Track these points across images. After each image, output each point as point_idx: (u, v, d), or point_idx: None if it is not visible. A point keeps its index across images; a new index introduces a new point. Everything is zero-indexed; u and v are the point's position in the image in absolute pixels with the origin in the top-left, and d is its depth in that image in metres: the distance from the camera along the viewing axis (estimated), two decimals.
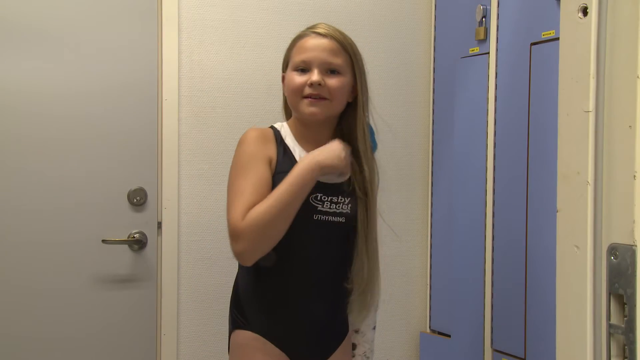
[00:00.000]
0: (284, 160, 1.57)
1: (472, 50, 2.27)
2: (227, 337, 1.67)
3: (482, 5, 2.19)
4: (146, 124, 2.27)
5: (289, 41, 1.64)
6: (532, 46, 2.00)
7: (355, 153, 1.60)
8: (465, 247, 2.28)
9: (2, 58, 2.12)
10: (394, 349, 2.56)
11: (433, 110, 2.55)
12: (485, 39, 2.20)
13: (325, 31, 1.58)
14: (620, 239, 0.84)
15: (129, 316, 2.25)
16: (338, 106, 1.59)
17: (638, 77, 0.82)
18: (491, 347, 2.17)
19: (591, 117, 0.88)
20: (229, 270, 2.00)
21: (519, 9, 2.07)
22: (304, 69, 1.56)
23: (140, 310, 2.27)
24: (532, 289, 1.98)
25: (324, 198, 1.55)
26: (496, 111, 2.16)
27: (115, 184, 2.23)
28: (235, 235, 1.46)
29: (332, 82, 1.55)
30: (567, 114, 0.92)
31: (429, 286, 2.58)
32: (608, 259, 0.85)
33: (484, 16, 2.19)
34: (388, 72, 2.54)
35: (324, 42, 1.57)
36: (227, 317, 1.68)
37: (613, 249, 0.84)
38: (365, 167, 1.60)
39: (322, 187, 1.55)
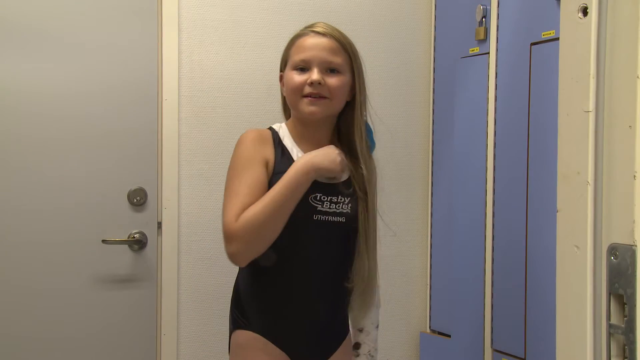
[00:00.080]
0: (282, 161, 1.57)
1: (472, 50, 2.27)
2: (228, 337, 1.67)
3: (482, 5, 2.19)
4: (146, 124, 2.27)
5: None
6: (532, 46, 2.00)
7: (353, 152, 1.61)
8: (465, 247, 2.28)
9: (2, 58, 2.13)
10: (394, 349, 2.56)
11: (433, 110, 2.55)
12: (485, 39, 2.20)
13: (325, 30, 1.58)
14: (620, 239, 0.84)
15: (129, 316, 2.25)
16: (337, 105, 1.60)
17: (638, 77, 0.82)
18: (491, 347, 2.17)
19: (591, 117, 0.88)
20: (229, 270, 1.99)
21: (519, 9, 2.07)
22: (303, 68, 1.56)
23: (140, 310, 2.27)
24: (532, 289, 1.98)
25: (324, 198, 1.55)
26: (496, 111, 2.16)
27: (115, 184, 2.23)
28: (228, 236, 1.47)
29: (332, 81, 1.55)
30: (567, 114, 0.92)
31: (429, 286, 2.58)
32: (608, 259, 0.85)
33: (484, 16, 2.19)
34: (388, 72, 2.54)
35: (323, 41, 1.57)
36: (227, 317, 1.68)
37: (613, 249, 0.84)
38: (364, 167, 1.60)
39: (321, 187, 1.55)
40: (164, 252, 2.27)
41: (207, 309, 2.32)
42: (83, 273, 2.21)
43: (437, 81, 2.52)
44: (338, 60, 1.57)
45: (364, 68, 1.64)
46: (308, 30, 1.60)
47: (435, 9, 2.54)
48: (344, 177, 1.61)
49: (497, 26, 2.16)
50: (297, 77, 1.56)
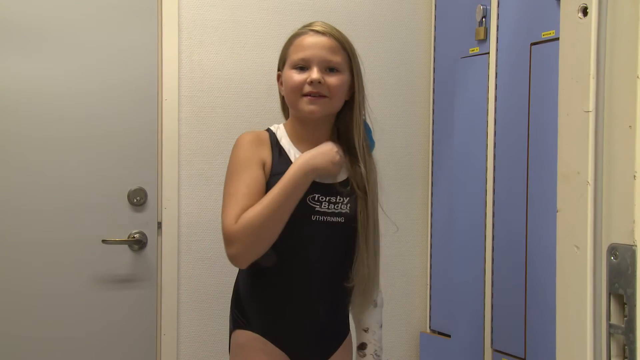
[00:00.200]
0: (279, 163, 1.57)
1: (472, 50, 2.27)
2: (228, 337, 1.67)
3: (482, 5, 2.19)
4: (146, 124, 2.27)
5: None
6: (532, 46, 2.00)
7: (352, 151, 1.61)
8: (465, 247, 2.28)
9: (2, 58, 2.13)
10: (394, 349, 2.55)
11: (433, 110, 2.55)
12: (485, 39, 2.20)
13: (324, 29, 1.58)
14: (620, 239, 0.84)
15: (129, 316, 2.25)
16: (337, 104, 1.60)
17: (638, 77, 0.82)
18: (491, 347, 2.17)
19: (591, 117, 0.88)
20: (229, 270, 1.99)
21: (519, 9, 2.07)
22: (302, 67, 1.56)
23: (140, 310, 2.27)
24: (532, 289, 1.98)
25: (322, 198, 1.55)
26: (496, 111, 2.16)
27: (115, 184, 2.23)
28: (228, 238, 1.48)
29: (332, 80, 1.55)
30: (567, 114, 0.92)
31: (429, 286, 2.58)
32: (608, 259, 0.85)
33: (484, 16, 2.19)
34: (388, 72, 2.54)
35: (322, 40, 1.57)
36: (227, 317, 1.68)
37: (613, 249, 0.84)
38: (362, 166, 1.60)
39: (319, 187, 1.55)
40: (164, 252, 2.27)
41: (207, 309, 2.32)
42: (83, 273, 2.21)
43: (437, 81, 2.53)
44: (337, 59, 1.57)
45: (362, 67, 1.64)
46: (307, 29, 1.60)
47: (435, 9, 2.54)
48: (343, 176, 1.61)
49: (497, 26, 2.16)
50: (297, 76, 1.56)
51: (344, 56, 1.59)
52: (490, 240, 2.17)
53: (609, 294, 0.85)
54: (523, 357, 2.02)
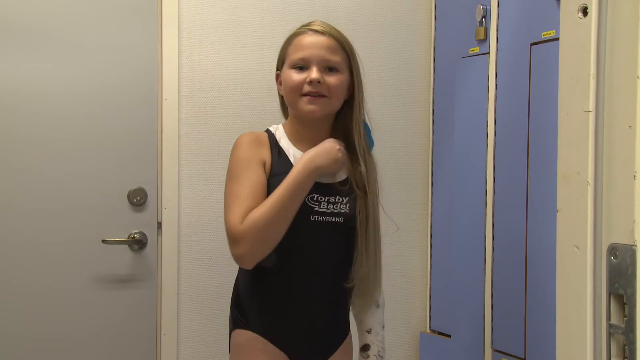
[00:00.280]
0: (279, 163, 1.57)
1: (472, 50, 2.27)
2: (228, 337, 1.68)
3: (482, 5, 2.19)
4: (146, 124, 2.27)
5: None
6: (532, 46, 2.00)
7: (352, 151, 1.61)
8: (465, 247, 2.28)
9: (2, 58, 2.13)
10: (394, 349, 2.55)
11: (433, 110, 2.55)
12: (485, 39, 2.20)
13: (323, 28, 1.58)
14: (620, 239, 0.84)
15: (129, 316, 2.25)
16: (336, 104, 1.59)
17: (638, 77, 0.82)
18: (491, 347, 2.17)
19: (591, 117, 0.88)
20: (229, 270, 1.99)
21: (519, 9, 2.07)
22: (302, 66, 1.56)
23: (140, 310, 2.27)
24: (532, 289, 1.98)
25: (321, 199, 1.55)
26: (496, 111, 2.16)
27: (115, 184, 2.23)
28: (234, 238, 1.47)
29: (331, 79, 1.55)
30: (567, 114, 0.92)
31: (429, 286, 2.58)
32: (608, 259, 0.85)
33: (484, 16, 2.19)
34: (388, 72, 2.54)
35: (322, 39, 1.56)
36: (227, 317, 1.68)
37: (613, 249, 0.84)
38: (362, 165, 1.60)
39: (319, 187, 1.55)
40: (164, 252, 2.27)
41: (207, 309, 2.32)
42: (83, 273, 2.21)
43: (437, 81, 2.53)
44: (337, 58, 1.57)
45: (361, 67, 1.64)
46: (306, 28, 1.59)
47: (435, 9, 2.54)
48: (342, 176, 1.61)
49: (497, 26, 2.16)
50: (296, 76, 1.56)
51: (343, 56, 1.59)
52: (490, 240, 2.17)
53: (609, 294, 0.85)
54: (523, 357, 2.02)
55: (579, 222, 0.89)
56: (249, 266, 1.52)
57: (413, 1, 2.57)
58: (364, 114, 1.65)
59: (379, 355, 1.67)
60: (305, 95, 1.55)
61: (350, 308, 1.71)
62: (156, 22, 2.27)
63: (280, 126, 1.66)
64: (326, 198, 1.56)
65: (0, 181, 2.13)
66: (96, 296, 2.22)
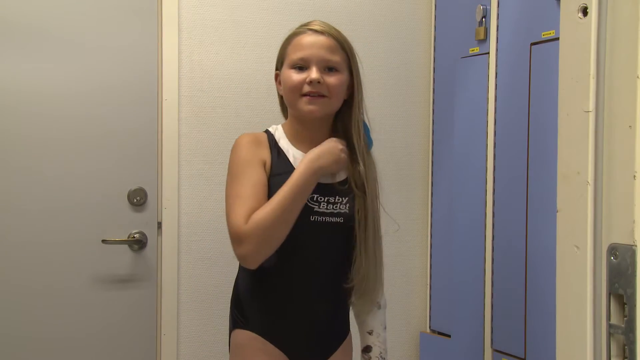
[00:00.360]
0: (279, 163, 1.57)
1: (472, 50, 2.27)
2: (227, 337, 1.68)
3: (482, 5, 2.19)
4: (146, 124, 2.27)
5: None
6: (532, 46, 2.00)
7: (351, 150, 1.61)
8: (465, 247, 2.28)
9: (2, 58, 2.13)
10: (394, 349, 2.55)
11: (433, 110, 2.55)
12: (485, 39, 2.20)
13: (322, 28, 1.57)
14: (620, 239, 0.84)
15: (129, 316, 2.26)
16: (336, 104, 1.59)
17: (638, 77, 0.82)
18: (491, 347, 2.17)
19: (591, 117, 0.88)
20: (229, 270, 1.99)
21: (519, 9, 2.07)
22: (301, 66, 1.55)
23: (140, 310, 2.27)
24: (532, 289, 1.98)
25: (321, 199, 1.55)
26: (496, 111, 2.16)
27: (115, 184, 2.23)
28: (239, 238, 1.47)
29: (331, 79, 1.55)
30: (567, 114, 0.92)
31: (429, 286, 2.58)
32: (608, 259, 0.85)
33: (484, 16, 2.19)
34: (388, 72, 2.54)
35: (321, 39, 1.56)
36: (227, 317, 1.68)
37: (613, 249, 0.84)
38: (361, 165, 1.60)
39: (318, 187, 1.55)
40: (164, 252, 2.27)
41: (207, 309, 2.32)
42: (83, 273, 2.21)
43: (437, 81, 2.52)
44: (336, 58, 1.57)
45: (360, 66, 1.64)
46: (305, 28, 1.59)
47: (435, 9, 2.54)
48: (342, 176, 1.61)
49: (497, 26, 2.16)
50: (296, 76, 1.55)
51: (343, 55, 1.59)
52: (490, 240, 2.17)
53: (609, 294, 0.85)
54: (523, 357, 2.02)
55: (579, 222, 0.89)
56: (253, 266, 1.51)
57: (413, 1, 2.57)
58: (363, 114, 1.65)
59: (381, 356, 1.66)
60: (305, 95, 1.55)
61: (352, 309, 1.71)
62: (156, 22, 2.27)
63: (280, 126, 1.66)
64: (326, 198, 1.56)
65: (0, 181, 2.13)
66: (96, 296, 2.22)
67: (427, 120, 2.58)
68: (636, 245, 0.81)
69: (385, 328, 1.70)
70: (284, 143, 1.61)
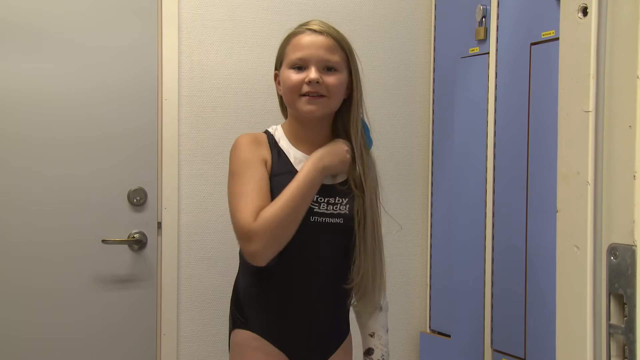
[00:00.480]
0: (279, 164, 1.57)
1: (472, 50, 2.27)
2: (227, 337, 1.68)
3: (482, 5, 2.19)
4: (146, 124, 2.27)
5: None
6: (532, 46, 2.00)
7: (351, 150, 1.61)
8: (465, 247, 2.28)
9: (2, 58, 2.13)
10: (394, 349, 2.55)
11: (433, 110, 2.55)
12: (485, 39, 2.20)
13: (321, 28, 1.57)
14: (620, 239, 0.84)
15: (129, 316, 2.26)
16: (335, 103, 1.59)
17: (638, 77, 0.82)
18: (491, 347, 2.17)
19: (591, 117, 0.88)
20: (229, 270, 1.99)
21: (519, 9, 2.07)
22: (300, 66, 1.55)
23: (140, 310, 2.27)
24: (532, 289, 1.98)
25: (320, 199, 1.55)
26: (496, 111, 2.16)
27: (115, 184, 2.23)
28: (248, 236, 1.46)
29: (330, 79, 1.55)
30: (567, 114, 0.92)
31: (429, 286, 2.57)
32: (608, 259, 0.85)
33: (484, 16, 2.19)
34: (388, 72, 2.54)
35: (320, 39, 1.56)
36: (227, 317, 1.68)
37: (613, 249, 0.84)
38: (360, 164, 1.60)
39: (319, 188, 1.55)
40: (164, 252, 2.27)
41: (207, 309, 2.32)
42: (83, 273, 2.21)
43: (437, 81, 2.52)
44: (335, 58, 1.56)
45: (359, 65, 1.63)
46: (304, 28, 1.58)
47: (435, 9, 2.54)
48: (343, 176, 1.61)
49: (497, 26, 2.15)
50: (295, 76, 1.55)
51: (342, 55, 1.58)
52: (490, 240, 2.17)
53: (609, 294, 0.85)
54: (523, 357, 2.02)
55: (579, 222, 0.89)
56: (262, 263, 1.49)
57: (413, 1, 2.57)
58: (362, 113, 1.65)
59: (383, 359, 1.66)
60: (304, 95, 1.54)
61: (354, 311, 1.71)
62: (156, 22, 2.27)
63: (279, 127, 1.65)
64: (326, 199, 1.56)
65: (0, 181, 2.13)
66: (96, 296, 2.22)
67: (427, 120, 2.58)
68: (636, 246, 0.81)
69: (387, 330, 1.69)
70: (284, 143, 1.61)
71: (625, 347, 0.83)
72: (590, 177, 0.88)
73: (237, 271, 1.68)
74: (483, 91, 2.21)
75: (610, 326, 0.85)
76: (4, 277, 2.13)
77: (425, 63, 2.59)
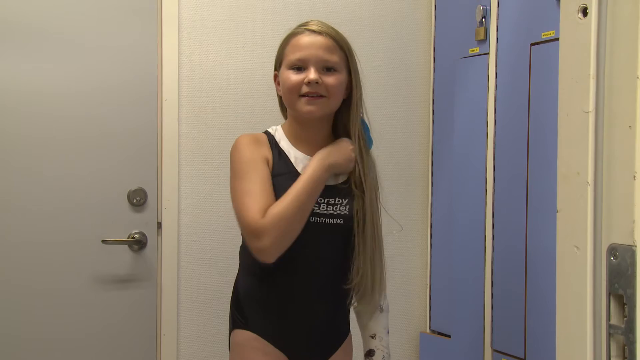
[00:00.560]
0: (280, 164, 1.57)
1: (472, 51, 2.27)
2: (227, 337, 1.68)
3: (482, 5, 2.19)
4: (146, 124, 2.27)
5: None
6: (532, 46, 2.00)
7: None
8: (465, 247, 2.28)
9: (2, 58, 2.13)
10: (394, 349, 2.54)
11: (433, 110, 2.55)
12: (485, 39, 2.20)
13: (320, 28, 1.57)
14: (620, 239, 0.84)
15: (129, 316, 2.26)
16: (335, 103, 1.59)
17: (638, 77, 0.82)
18: (491, 347, 2.17)
19: (591, 117, 0.88)
20: (229, 270, 1.99)
21: (519, 9, 2.07)
22: (299, 67, 1.55)
23: (140, 310, 2.27)
24: (532, 289, 1.98)
25: (320, 200, 1.55)
26: (496, 111, 2.16)
27: (115, 184, 2.23)
28: (257, 233, 1.46)
29: (330, 80, 1.55)
30: (567, 114, 0.92)
31: (429, 286, 2.58)
32: (608, 260, 0.85)
33: (484, 16, 2.19)
34: (388, 72, 2.54)
35: (319, 39, 1.56)
36: (227, 317, 1.68)
37: (613, 250, 0.84)
38: (360, 164, 1.60)
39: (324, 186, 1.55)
40: (164, 252, 2.27)
41: (207, 309, 2.32)
42: (83, 273, 2.21)
43: (437, 81, 2.52)
44: (334, 58, 1.56)
45: (359, 65, 1.63)
46: (303, 28, 1.58)
47: (435, 9, 2.54)
48: (343, 177, 1.61)
49: (497, 26, 2.15)
50: (294, 77, 1.55)
51: (341, 55, 1.58)
52: (490, 240, 2.17)
53: (609, 294, 0.85)
54: (523, 357, 2.02)
55: (579, 222, 0.89)
56: (271, 260, 1.49)
57: (413, 1, 2.57)
58: (362, 113, 1.65)
59: None
60: (303, 96, 1.54)
61: (354, 312, 1.71)
62: (156, 22, 2.27)
63: (279, 127, 1.65)
64: (326, 200, 1.56)
65: (0, 181, 2.12)
66: (96, 296, 2.22)
67: (427, 120, 2.58)
68: (636, 246, 0.81)
69: (388, 332, 1.69)
70: (285, 144, 1.61)
71: (625, 347, 0.83)
72: (590, 178, 0.88)
73: (237, 271, 1.68)
74: (483, 91, 2.21)
75: (610, 326, 0.85)
76: (4, 277, 2.13)
77: (425, 63, 2.59)
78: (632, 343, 0.81)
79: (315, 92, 1.54)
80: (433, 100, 2.55)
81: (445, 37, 2.47)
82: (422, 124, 2.59)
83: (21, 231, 2.14)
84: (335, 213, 1.57)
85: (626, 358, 0.83)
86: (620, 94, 0.85)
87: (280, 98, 1.66)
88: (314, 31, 1.56)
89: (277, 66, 1.63)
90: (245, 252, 1.64)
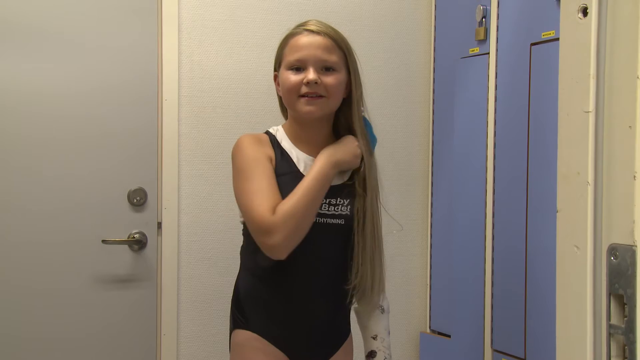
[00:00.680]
0: (282, 164, 1.57)
1: (472, 51, 2.27)
2: (228, 337, 1.68)
3: (482, 5, 2.19)
4: (146, 124, 2.27)
5: None
6: (532, 46, 2.00)
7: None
8: (465, 247, 2.28)
9: (2, 58, 2.13)
10: (394, 349, 2.53)
11: (433, 110, 2.55)
12: (485, 39, 2.20)
13: (318, 28, 1.57)
14: (620, 239, 0.84)
15: (129, 316, 2.26)
16: (334, 103, 1.59)
17: (638, 77, 0.82)
18: (491, 347, 2.17)
19: (591, 117, 0.88)
20: (229, 270, 2.00)
21: (519, 9, 2.07)
22: (299, 67, 1.55)
23: (140, 310, 2.27)
24: (532, 289, 1.98)
25: (322, 200, 1.55)
26: (496, 111, 2.16)
27: (115, 184, 2.23)
28: (268, 230, 1.45)
29: (329, 79, 1.55)
30: (567, 114, 0.92)
31: (429, 286, 2.58)
32: (608, 260, 0.85)
33: (484, 16, 2.19)
34: (388, 72, 2.54)
35: (317, 39, 1.56)
36: (227, 317, 1.68)
37: (613, 250, 0.84)
38: (364, 163, 1.60)
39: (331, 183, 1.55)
40: (164, 252, 2.27)
41: (207, 309, 2.32)
42: (83, 273, 2.21)
43: (437, 81, 2.52)
44: (333, 58, 1.56)
45: (358, 64, 1.63)
46: (301, 28, 1.58)
47: (435, 9, 2.54)
48: (345, 177, 1.61)
49: (497, 26, 2.16)
50: (293, 77, 1.55)
51: (340, 54, 1.58)
52: (490, 240, 2.17)
53: (609, 294, 0.85)
54: (523, 357, 2.02)
55: (579, 222, 0.89)
56: (283, 256, 1.49)
57: (413, 1, 2.57)
58: (363, 111, 1.65)
59: None
60: (303, 96, 1.54)
61: (355, 313, 1.71)
62: (156, 22, 2.27)
63: (280, 127, 1.65)
64: (327, 200, 1.56)
65: (0, 181, 2.12)
66: (96, 296, 2.22)
67: (427, 120, 2.58)
68: (636, 246, 0.81)
69: (389, 333, 1.69)
70: (287, 144, 1.61)
71: (626, 347, 0.83)
72: (590, 177, 0.88)
73: (237, 271, 1.68)
74: (483, 91, 2.21)
75: (610, 326, 0.85)
76: (4, 277, 2.13)
77: (425, 63, 2.59)
78: (633, 343, 0.81)
79: (314, 92, 1.54)
80: (433, 100, 2.55)
81: (445, 37, 2.47)
82: (422, 124, 2.59)
83: (21, 231, 2.14)
84: (336, 213, 1.57)
85: (626, 358, 0.83)
86: (620, 94, 0.85)
87: (280, 98, 1.66)
88: (312, 31, 1.56)
89: (277, 66, 1.63)
90: (246, 252, 1.64)
